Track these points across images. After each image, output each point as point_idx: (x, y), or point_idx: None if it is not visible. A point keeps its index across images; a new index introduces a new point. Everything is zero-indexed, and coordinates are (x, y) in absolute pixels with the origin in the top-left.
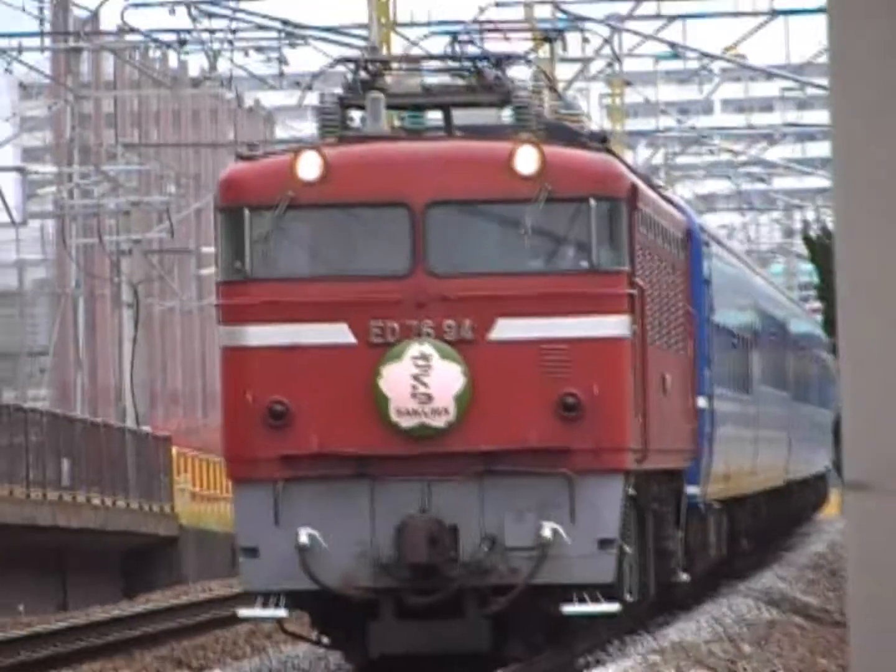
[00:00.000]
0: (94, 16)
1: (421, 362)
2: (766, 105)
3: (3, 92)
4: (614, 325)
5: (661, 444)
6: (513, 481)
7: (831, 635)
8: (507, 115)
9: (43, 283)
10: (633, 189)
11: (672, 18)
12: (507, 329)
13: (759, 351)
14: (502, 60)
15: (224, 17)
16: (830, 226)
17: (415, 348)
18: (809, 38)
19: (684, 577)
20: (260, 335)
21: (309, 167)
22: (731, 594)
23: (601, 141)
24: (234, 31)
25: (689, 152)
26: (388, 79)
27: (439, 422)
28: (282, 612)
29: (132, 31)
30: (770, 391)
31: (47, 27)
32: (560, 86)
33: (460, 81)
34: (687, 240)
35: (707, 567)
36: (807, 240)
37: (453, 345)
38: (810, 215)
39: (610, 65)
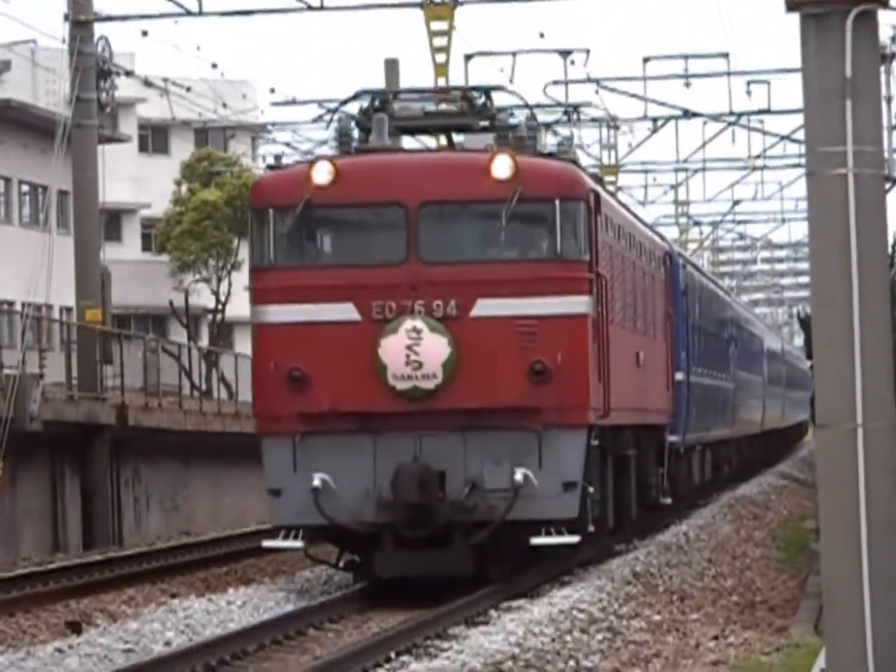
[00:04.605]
0: None
1: (413, 335)
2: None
3: None
4: (575, 304)
5: (632, 404)
6: (490, 434)
7: (811, 492)
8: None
9: None
10: (596, 196)
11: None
12: (486, 307)
13: (737, 348)
14: (489, 90)
15: None
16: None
17: (408, 323)
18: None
19: (668, 501)
20: (281, 313)
21: (322, 174)
22: (767, 474)
23: (572, 163)
24: None
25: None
26: (396, 105)
27: (429, 385)
28: (299, 544)
29: None
30: (745, 375)
31: None
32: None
33: (454, 108)
34: (666, 260)
35: (691, 490)
36: (800, 319)
37: (441, 320)
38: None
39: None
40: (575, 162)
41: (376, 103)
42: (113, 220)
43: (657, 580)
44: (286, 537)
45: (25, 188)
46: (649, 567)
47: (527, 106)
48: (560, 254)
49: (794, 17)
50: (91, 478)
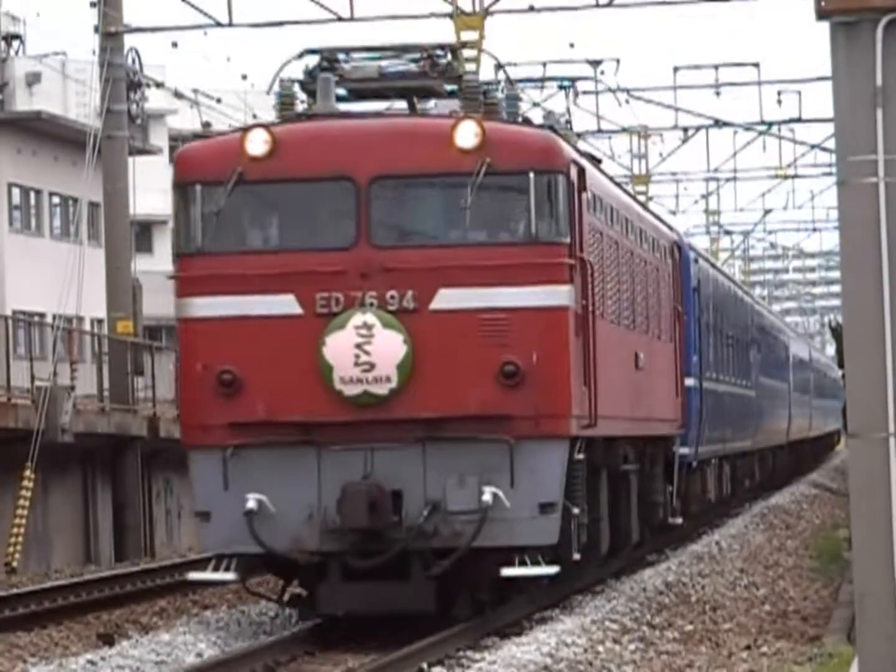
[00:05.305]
0: None
1: (364, 331)
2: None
3: None
4: (553, 295)
5: (628, 412)
6: (454, 447)
7: (844, 501)
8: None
9: None
10: (580, 170)
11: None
12: (448, 299)
13: (759, 353)
14: (455, 49)
15: None
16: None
17: (358, 318)
18: None
19: (678, 521)
20: (210, 306)
21: (257, 144)
22: (799, 483)
23: (552, 129)
24: None
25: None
26: (346, 66)
27: (382, 389)
28: (230, 576)
29: None
30: (769, 382)
31: None
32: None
33: (414, 68)
34: (674, 251)
35: (706, 507)
36: (832, 328)
37: (395, 314)
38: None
39: None
40: (554, 129)
41: (324, 63)
42: (144, 232)
43: (689, 590)
44: (217, 568)
45: (56, 200)
46: (681, 577)
47: (510, 80)
48: (535, 236)
49: (825, 26)
50: (122, 489)
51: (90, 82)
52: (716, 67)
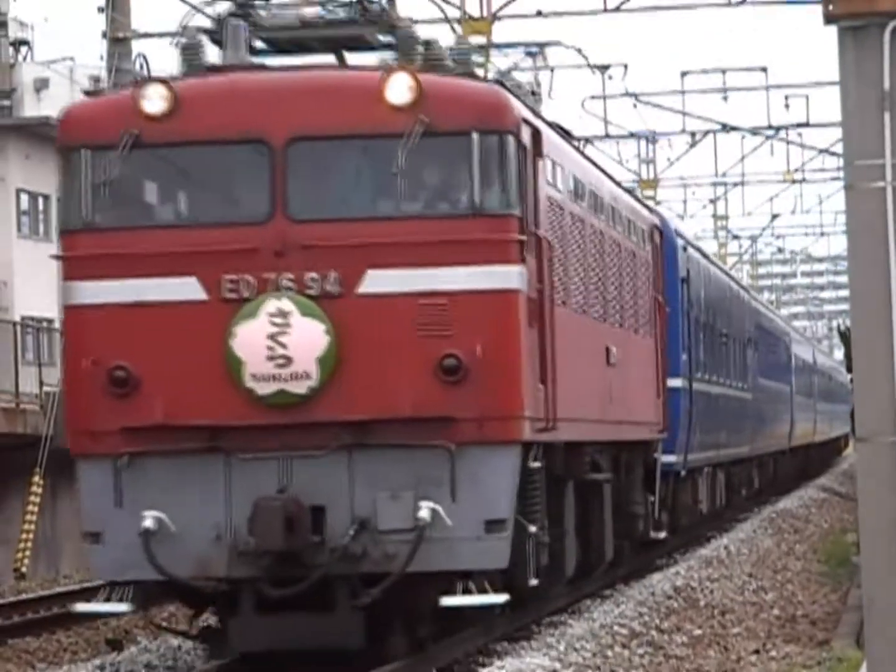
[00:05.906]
0: None
1: (279, 320)
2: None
3: None
4: (501, 276)
5: (597, 413)
6: (386, 455)
7: (852, 506)
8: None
9: None
10: (534, 132)
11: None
12: (379, 281)
13: (759, 355)
14: None
15: None
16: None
17: (272, 304)
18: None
19: (661, 535)
20: (99, 291)
21: (155, 101)
22: (808, 487)
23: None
24: None
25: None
26: (263, 12)
27: (300, 388)
28: (124, 607)
29: None
30: (768, 384)
31: None
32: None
33: (342, 14)
34: (655, 235)
35: (697, 519)
36: (840, 332)
37: (316, 300)
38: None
39: None
40: (503, 84)
41: (237, 10)
42: None
43: (698, 594)
44: (109, 597)
45: None
46: (690, 581)
47: (455, 32)
48: (479, 207)
49: (832, 30)
50: None
51: (98, 88)
52: (723, 72)
